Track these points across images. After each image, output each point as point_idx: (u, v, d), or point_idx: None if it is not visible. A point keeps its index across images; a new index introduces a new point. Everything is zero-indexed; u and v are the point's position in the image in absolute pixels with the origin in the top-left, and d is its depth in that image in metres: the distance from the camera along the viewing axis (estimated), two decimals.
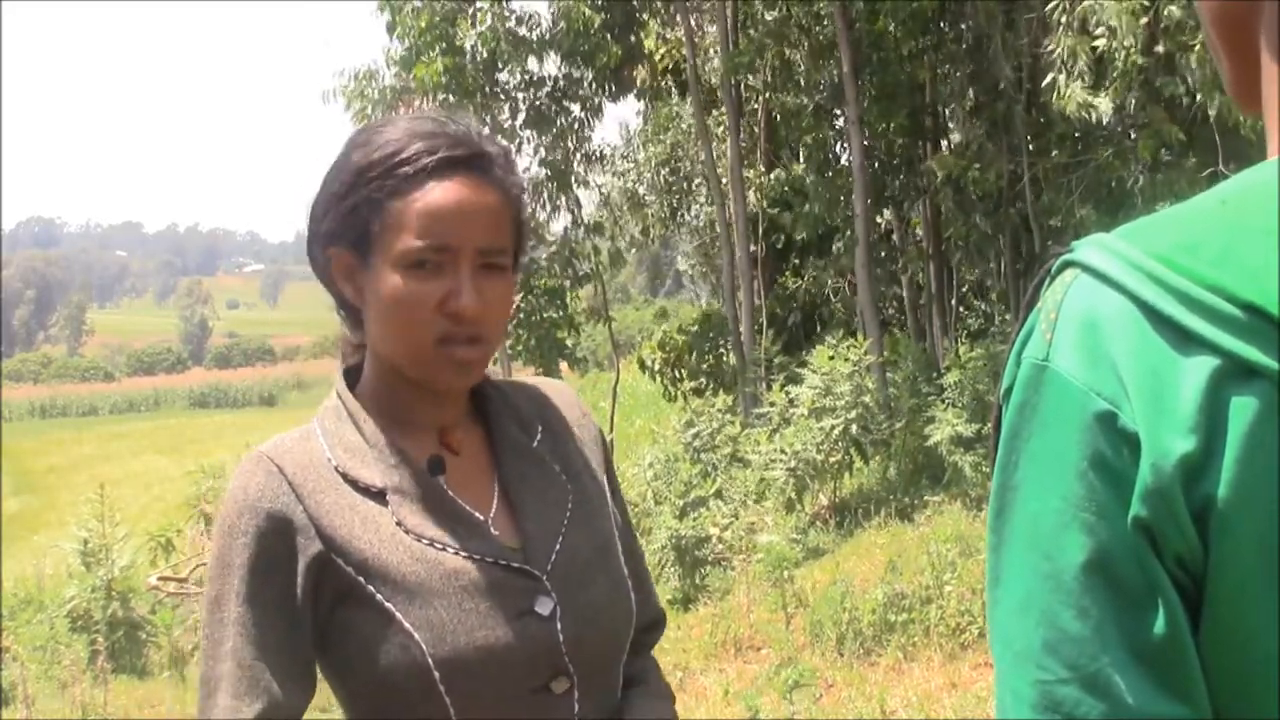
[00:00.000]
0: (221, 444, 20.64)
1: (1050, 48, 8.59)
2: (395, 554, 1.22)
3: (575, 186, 13.87)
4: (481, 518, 1.28)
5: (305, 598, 1.21)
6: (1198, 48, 7.73)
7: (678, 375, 14.29)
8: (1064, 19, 8.38)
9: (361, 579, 1.21)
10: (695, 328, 14.43)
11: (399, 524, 1.23)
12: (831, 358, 9.53)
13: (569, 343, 13.51)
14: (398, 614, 1.20)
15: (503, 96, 13.14)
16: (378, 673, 1.20)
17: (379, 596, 1.20)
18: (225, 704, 1.18)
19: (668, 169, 16.71)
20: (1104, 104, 8.24)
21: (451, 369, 1.26)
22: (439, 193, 1.24)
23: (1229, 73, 0.79)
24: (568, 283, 13.62)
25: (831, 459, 9.23)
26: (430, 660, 1.18)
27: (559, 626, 1.25)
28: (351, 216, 1.26)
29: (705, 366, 14.02)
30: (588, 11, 12.59)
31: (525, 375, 8.89)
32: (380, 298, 1.25)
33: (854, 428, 9.18)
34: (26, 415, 48.57)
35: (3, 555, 10.79)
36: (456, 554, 1.23)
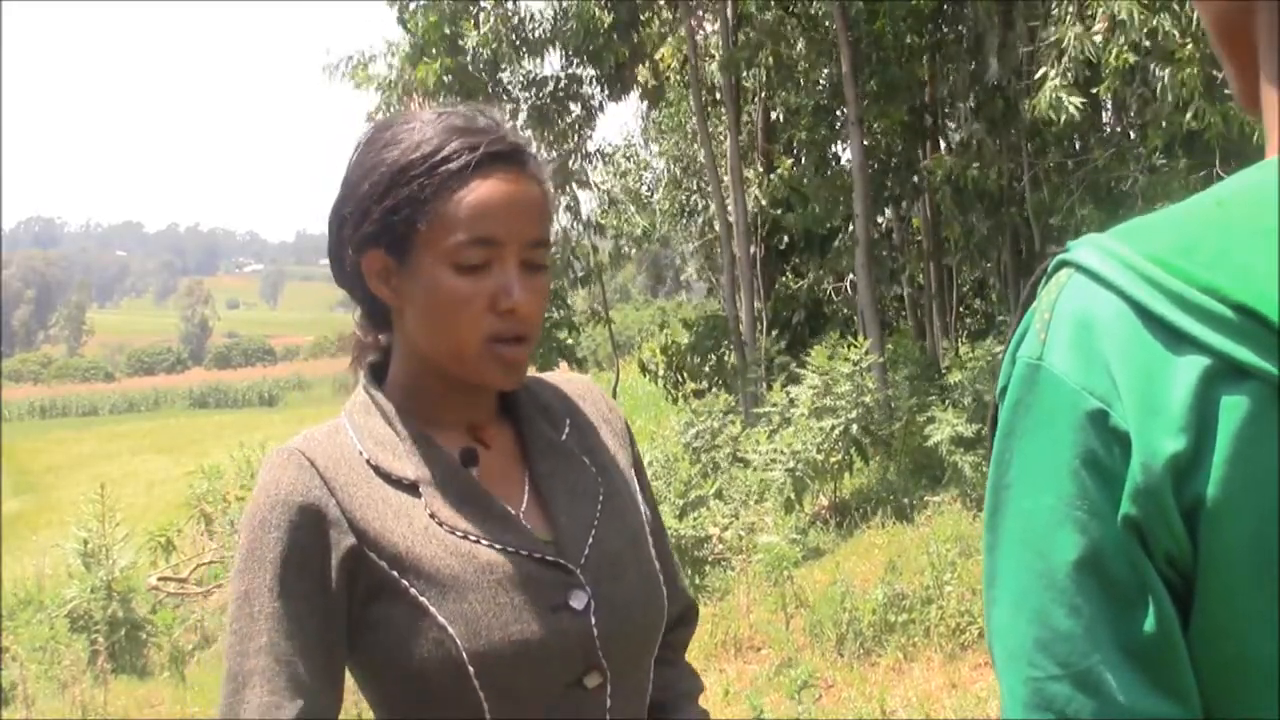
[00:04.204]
0: (221, 444, 20.60)
1: (1044, 40, 8.57)
2: (428, 547, 1.20)
3: (576, 186, 13.87)
4: (514, 511, 1.27)
5: (339, 592, 1.19)
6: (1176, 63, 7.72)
7: (680, 379, 14.28)
8: (1061, 11, 8.33)
9: (395, 573, 1.19)
10: (697, 328, 14.42)
11: (432, 516, 1.22)
12: (831, 358, 9.53)
13: (569, 342, 13.51)
14: (431, 608, 1.18)
15: (504, 97, 13.13)
16: (412, 668, 1.19)
17: (413, 590, 1.19)
18: (259, 701, 1.15)
19: (680, 166, 16.72)
20: (1074, 104, 8.18)
21: (499, 368, 1.25)
22: (486, 189, 1.23)
23: (1233, 77, 0.78)
24: (567, 283, 13.62)
25: (831, 459, 9.23)
26: (464, 654, 1.17)
27: (593, 620, 1.23)
28: (392, 217, 1.23)
29: (707, 368, 14.01)
30: (597, 12, 12.58)
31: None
32: (426, 297, 1.23)
33: (854, 428, 9.18)
34: (26, 415, 48.55)
35: (3, 555, 10.78)
36: (490, 547, 1.22)
